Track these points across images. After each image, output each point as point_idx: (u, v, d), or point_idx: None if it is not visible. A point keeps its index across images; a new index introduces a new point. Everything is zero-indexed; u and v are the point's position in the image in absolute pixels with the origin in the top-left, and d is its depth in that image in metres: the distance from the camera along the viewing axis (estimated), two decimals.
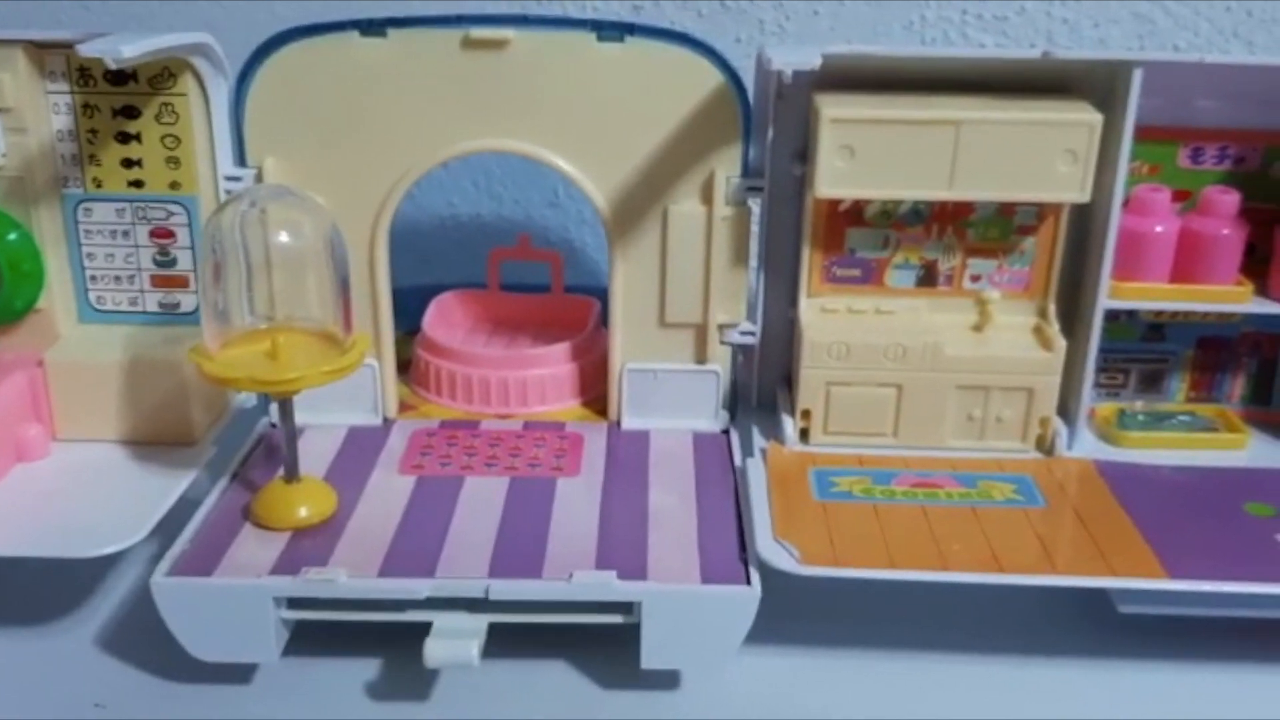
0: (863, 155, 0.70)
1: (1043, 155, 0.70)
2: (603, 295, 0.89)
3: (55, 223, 0.76)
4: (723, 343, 0.80)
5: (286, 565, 0.64)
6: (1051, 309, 0.77)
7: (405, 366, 0.86)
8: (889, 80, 0.73)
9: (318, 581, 0.63)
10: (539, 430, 0.80)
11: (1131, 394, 0.81)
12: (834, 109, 0.70)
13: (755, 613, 0.63)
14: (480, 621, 0.64)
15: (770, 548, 0.65)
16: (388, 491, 0.72)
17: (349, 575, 0.63)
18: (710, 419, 0.81)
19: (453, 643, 0.62)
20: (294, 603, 0.64)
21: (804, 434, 0.77)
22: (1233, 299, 0.74)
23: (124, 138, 0.74)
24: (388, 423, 0.81)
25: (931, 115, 0.70)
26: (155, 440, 0.75)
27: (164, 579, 0.63)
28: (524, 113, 0.75)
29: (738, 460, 0.76)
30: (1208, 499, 0.72)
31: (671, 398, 0.81)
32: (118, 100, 0.73)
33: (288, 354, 0.66)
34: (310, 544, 0.67)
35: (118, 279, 0.77)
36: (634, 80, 0.74)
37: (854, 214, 0.76)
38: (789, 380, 0.81)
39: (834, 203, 0.75)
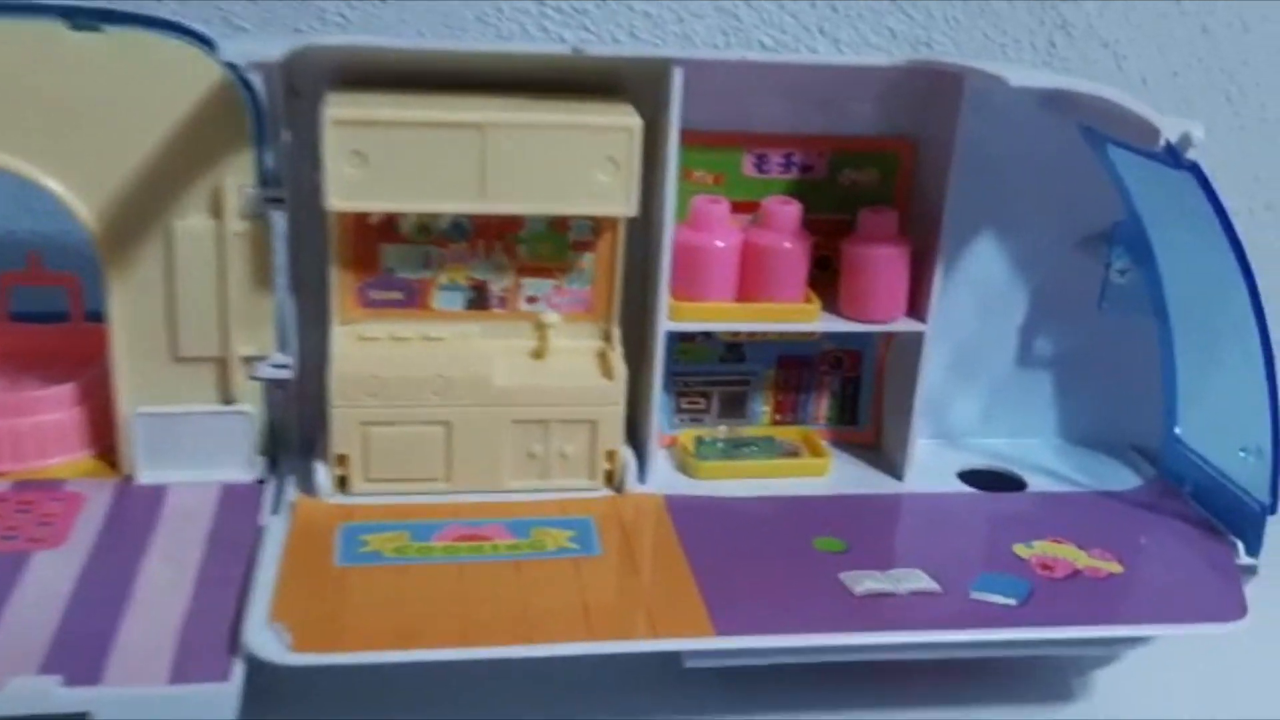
0: (377, 162, 0.61)
1: (580, 163, 0.62)
2: None
3: None
4: (252, 378, 0.69)
5: None
6: (615, 332, 0.69)
7: None
8: (418, 79, 0.64)
9: None
10: (31, 491, 0.67)
11: (715, 419, 0.75)
12: (339, 109, 0.60)
13: (234, 717, 0.52)
14: None
15: (258, 632, 0.54)
16: None
17: None
18: (243, 468, 0.70)
19: None
20: None
21: (342, 482, 0.67)
22: (799, 317, 0.69)
23: None
24: None
25: (452, 117, 0.61)
26: None
27: None
28: None
29: (265, 517, 0.66)
30: (778, 535, 0.66)
31: (195, 445, 0.69)
32: None
33: None
34: None
35: None
36: (120, 76, 0.62)
37: (387, 228, 0.66)
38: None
39: (362, 216, 0.66)
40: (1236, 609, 0.62)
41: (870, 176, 0.71)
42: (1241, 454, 0.68)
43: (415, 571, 0.60)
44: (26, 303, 0.78)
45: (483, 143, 0.61)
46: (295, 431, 0.71)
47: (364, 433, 0.66)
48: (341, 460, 0.66)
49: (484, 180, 0.62)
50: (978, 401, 0.78)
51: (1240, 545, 0.67)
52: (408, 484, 0.67)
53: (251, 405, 0.69)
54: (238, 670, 0.53)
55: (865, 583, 0.61)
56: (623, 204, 0.64)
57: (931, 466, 0.74)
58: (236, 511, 0.66)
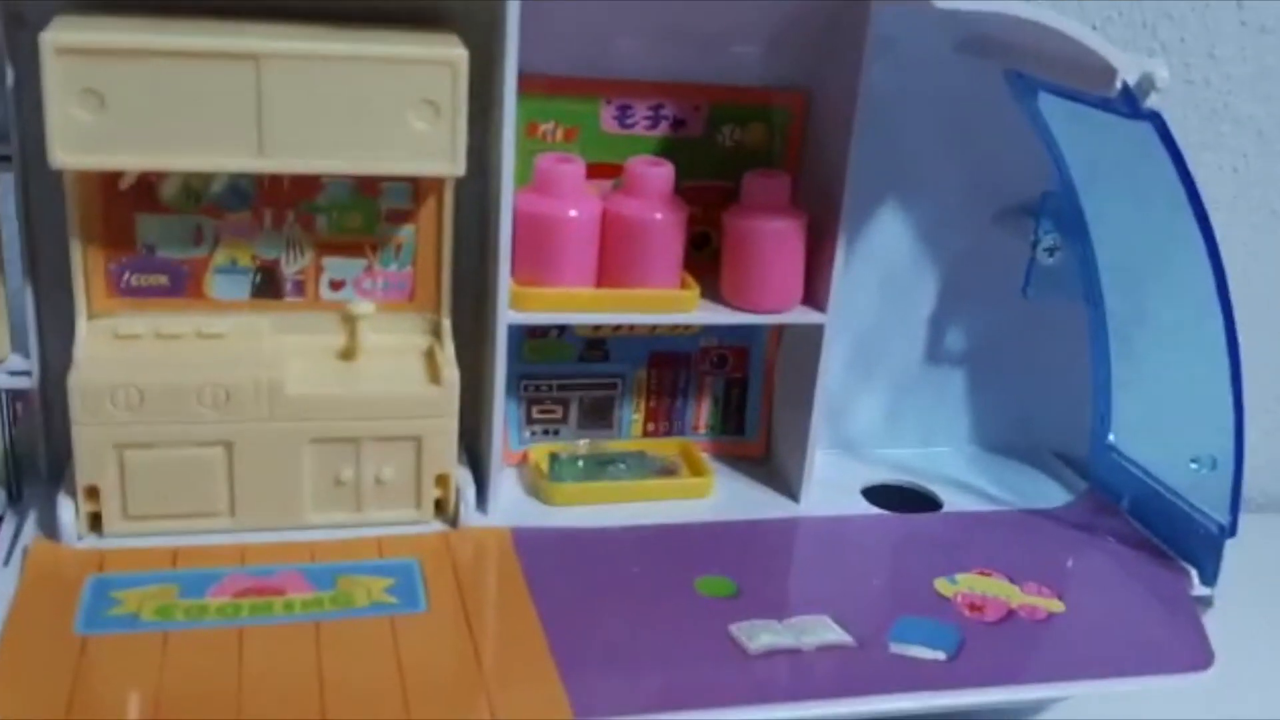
0: (117, 105, 0.46)
1: (390, 108, 0.49)
2: None
3: None
4: None
5: None
6: (445, 325, 0.56)
7: None
8: (176, 3, 0.50)
9: None
10: None
11: (574, 431, 0.62)
12: (65, 34, 0.45)
13: None
14: None
15: None
16: None
17: None
18: None
19: None
20: None
21: (95, 520, 0.52)
22: (674, 306, 0.56)
23: None
24: None
25: (217, 45, 0.47)
26: None
27: None
28: None
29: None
30: (654, 576, 0.53)
31: None
32: None
33: None
34: None
35: None
36: None
37: (144, 194, 0.52)
38: None
39: (107, 177, 0.51)
40: (1201, 654, 0.51)
41: (755, 135, 0.59)
42: (1193, 465, 0.57)
43: (180, 641, 0.46)
44: None
45: (259, 80, 0.47)
46: (42, 455, 0.56)
47: (120, 457, 0.51)
48: (91, 493, 0.51)
49: (261, 129, 0.48)
50: (880, 404, 0.66)
51: (1194, 573, 0.57)
52: (179, 521, 0.52)
53: None
54: None
55: (762, 637, 0.49)
56: (446, 160, 0.50)
57: (832, 482, 0.62)
58: None
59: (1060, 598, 0.54)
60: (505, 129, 0.51)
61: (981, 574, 0.55)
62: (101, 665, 0.45)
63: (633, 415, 0.63)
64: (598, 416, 0.62)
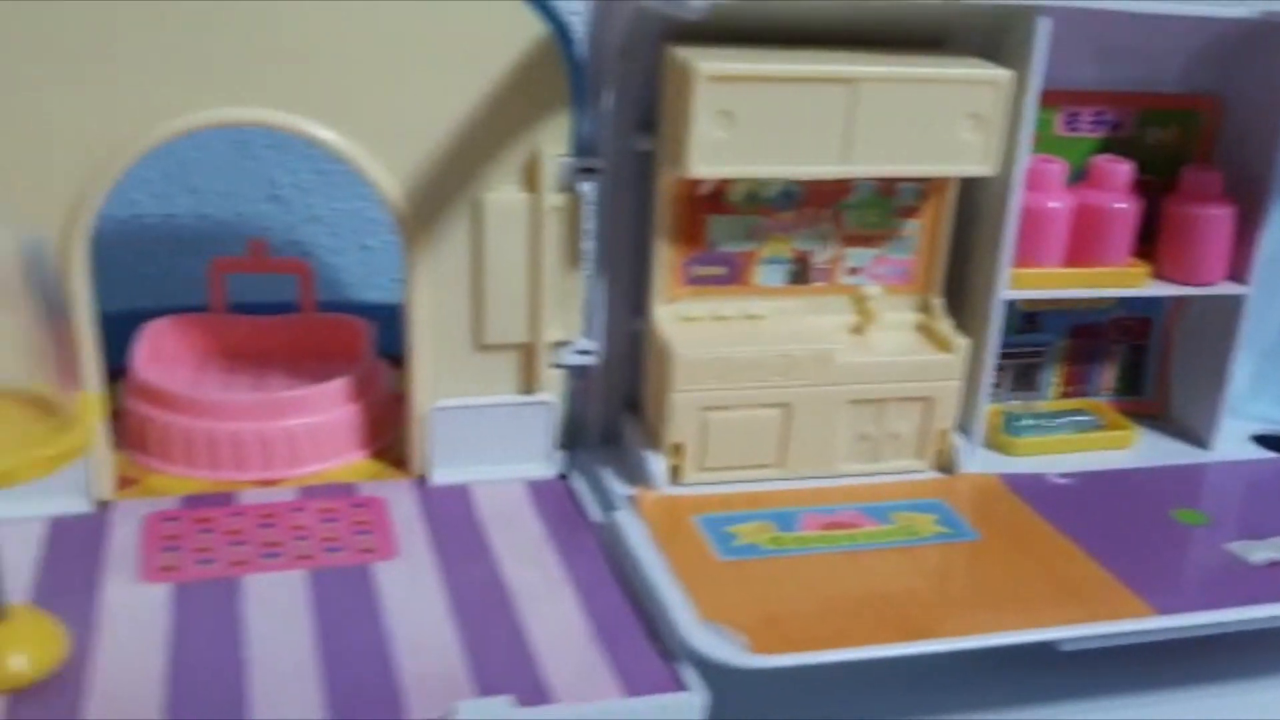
0: (744, 123, 0.56)
1: (946, 121, 0.58)
2: (364, 313, 0.71)
3: None
4: (555, 366, 0.63)
5: None
6: (936, 304, 0.66)
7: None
8: (744, 31, 0.59)
9: None
10: (323, 498, 0.60)
11: (1007, 393, 0.72)
12: (711, 64, 0.55)
13: None
14: None
15: (703, 636, 0.49)
16: (133, 613, 0.51)
17: None
18: (542, 463, 0.64)
19: None
20: None
21: (674, 472, 0.62)
22: (1131, 282, 0.66)
23: None
24: (104, 508, 0.58)
25: (824, 72, 0.56)
26: None
27: None
28: (280, 74, 0.55)
29: (593, 513, 0.60)
30: (1131, 511, 0.63)
31: (493, 440, 0.63)
32: None
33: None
34: (42, 711, 0.44)
35: None
36: (428, 31, 0.56)
37: (716, 199, 0.61)
38: (634, 406, 0.66)
39: (692, 185, 0.61)
40: None
41: (1173, 135, 0.69)
42: None
43: (807, 564, 0.56)
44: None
45: (853, 100, 0.57)
46: (596, 422, 0.66)
47: (702, 419, 0.61)
48: (676, 449, 0.61)
49: (850, 141, 0.57)
50: (1247, 367, 0.76)
51: None
52: (739, 471, 0.62)
53: (552, 395, 0.64)
54: (693, 677, 0.48)
55: (1260, 552, 0.59)
56: (983, 163, 0.60)
57: (1225, 434, 0.72)
58: (555, 510, 0.61)
59: None
60: (1023, 136, 0.61)
61: None
62: (763, 584, 0.54)
63: (1052, 379, 0.73)
64: (1025, 380, 0.72)
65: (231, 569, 0.54)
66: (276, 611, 0.51)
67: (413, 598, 0.53)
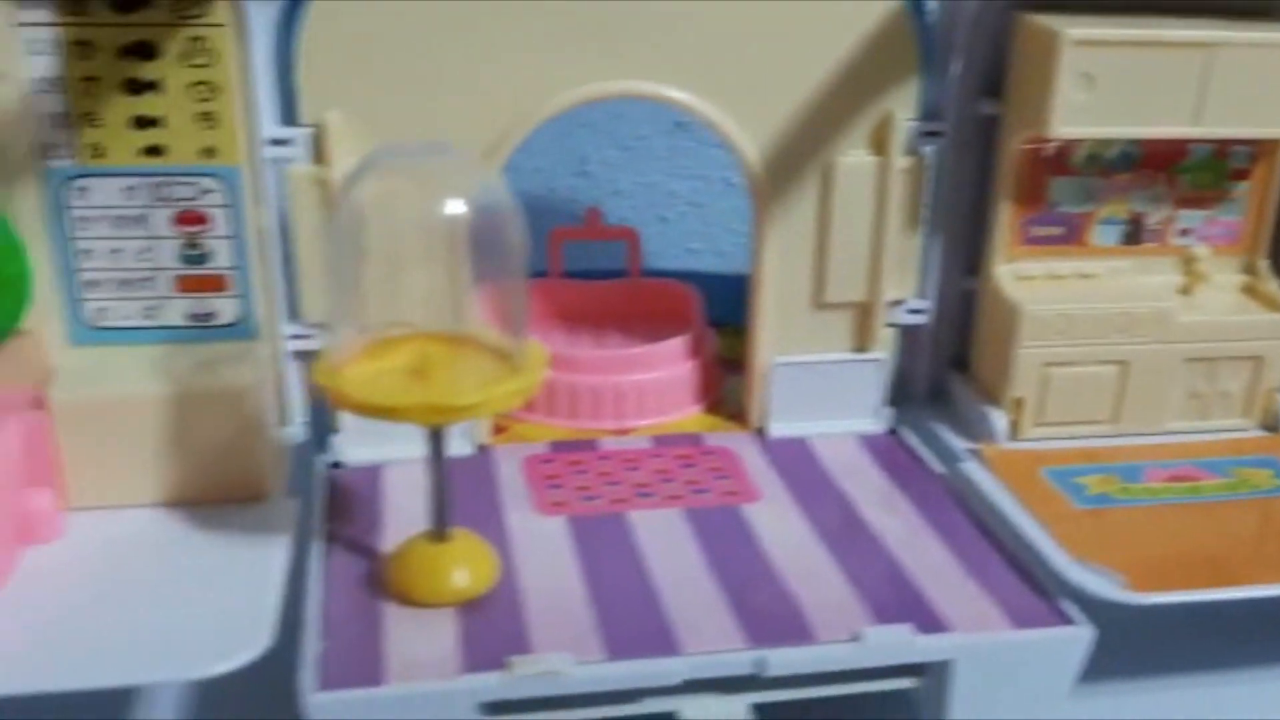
0: (1103, 86, 0.58)
1: None
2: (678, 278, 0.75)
3: (34, 208, 0.54)
4: (888, 324, 0.66)
5: (477, 656, 0.47)
6: (1264, 264, 0.67)
7: None
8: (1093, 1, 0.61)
9: (536, 676, 0.46)
10: (676, 447, 0.65)
11: None
12: (1076, 29, 0.57)
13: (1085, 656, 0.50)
14: (736, 704, 0.48)
15: (1080, 573, 0.52)
16: (539, 540, 0.55)
17: (576, 662, 0.46)
18: (871, 418, 0.67)
19: None
20: (496, 706, 0.46)
21: (1012, 427, 0.64)
22: None
23: (135, 87, 0.54)
24: (484, 451, 0.63)
25: (1180, 37, 0.58)
26: (210, 498, 0.55)
27: (323, 695, 0.44)
28: (657, 47, 0.59)
29: (935, 466, 0.63)
30: None
31: (826, 396, 0.66)
32: (126, 34, 0.53)
33: (443, 371, 0.48)
34: (488, 624, 0.49)
35: (126, 283, 0.56)
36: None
37: (1058, 161, 0.64)
38: (960, 364, 0.68)
39: (1036, 148, 0.63)
40: None
41: None
42: None
43: (1162, 513, 0.58)
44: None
45: (1208, 64, 0.58)
46: (923, 379, 0.69)
47: (1044, 374, 0.63)
48: (1017, 404, 0.64)
49: (1202, 103, 0.59)
50: None
51: None
52: (1073, 427, 0.64)
53: (884, 352, 0.66)
54: (1076, 612, 0.51)
55: None
56: None
57: None
58: (894, 462, 0.64)
59: None
60: None
61: None
62: (1125, 529, 0.56)
63: None
64: None
65: (614, 505, 0.58)
66: (668, 543, 0.55)
67: (786, 535, 0.56)
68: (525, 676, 0.46)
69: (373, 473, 0.61)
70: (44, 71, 0.53)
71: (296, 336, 0.60)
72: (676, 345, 0.68)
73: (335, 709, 0.44)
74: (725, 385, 0.70)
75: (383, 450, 0.61)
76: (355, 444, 0.62)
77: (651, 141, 0.87)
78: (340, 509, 0.58)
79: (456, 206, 0.47)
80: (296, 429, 0.62)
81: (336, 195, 0.50)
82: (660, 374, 0.67)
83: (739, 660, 0.48)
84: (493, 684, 0.45)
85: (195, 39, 0.53)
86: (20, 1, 0.51)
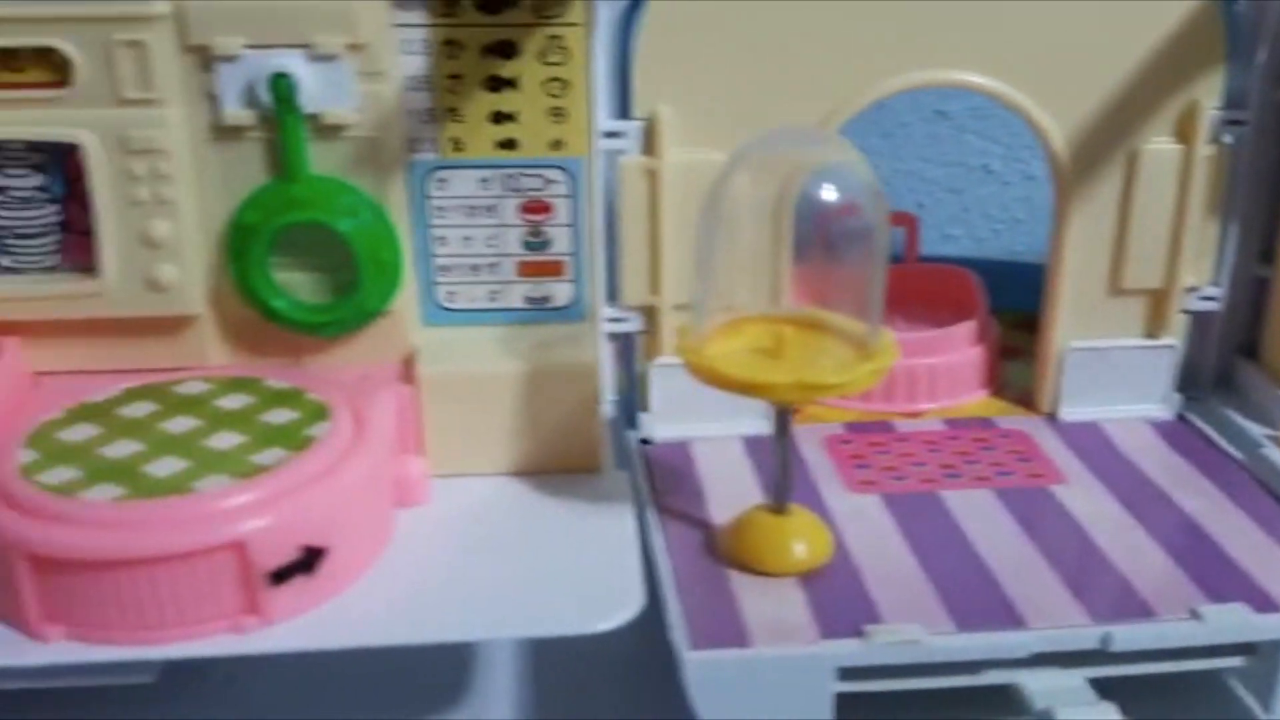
0: None
1: None
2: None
3: (401, 199, 0.59)
4: (1181, 311, 0.67)
5: (831, 623, 0.50)
6: None
7: None
8: None
9: (894, 644, 0.48)
10: (970, 429, 0.66)
11: None
12: None
13: None
14: (1075, 678, 0.50)
15: None
16: (858, 517, 0.58)
17: (929, 632, 0.49)
18: (1159, 404, 0.68)
19: (1090, 709, 0.48)
20: (851, 671, 0.49)
21: None
22: None
23: (495, 84, 0.58)
24: None
25: None
26: (551, 469, 0.59)
27: (699, 655, 0.48)
28: (970, 38, 0.61)
29: (1234, 453, 0.64)
30: None
31: (1116, 381, 0.68)
32: (489, 34, 0.57)
33: (797, 351, 0.51)
34: (832, 594, 0.52)
35: (475, 268, 0.61)
36: None
37: None
38: (1248, 351, 0.69)
39: None
40: None
41: None
42: None
43: None
44: None
45: None
46: (1211, 366, 0.69)
47: None
48: None
49: None
50: None
51: None
52: None
53: (1175, 339, 0.67)
54: None
55: None
56: None
57: None
58: (1189, 446, 0.64)
59: None
60: None
61: None
62: None
63: None
64: None
65: (923, 485, 0.61)
66: (986, 522, 0.57)
67: (1100, 515, 0.58)
68: (884, 644, 0.48)
69: (682, 448, 0.64)
70: (415, 70, 0.57)
71: (614, 319, 0.64)
72: (967, 329, 0.70)
73: (709, 668, 0.48)
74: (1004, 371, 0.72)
75: (689, 427, 0.65)
76: (664, 421, 0.65)
77: (912, 129, 0.89)
78: (660, 481, 0.61)
79: (830, 193, 0.50)
80: (608, 407, 0.65)
81: (710, 185, 0.53)
82: (951, 358, 0.69)
83: (1085, 635, 0.49)
84: (853, 650, 0.48)
85: (553, 37, 0.57)
86: (398, 4, 0.56)
